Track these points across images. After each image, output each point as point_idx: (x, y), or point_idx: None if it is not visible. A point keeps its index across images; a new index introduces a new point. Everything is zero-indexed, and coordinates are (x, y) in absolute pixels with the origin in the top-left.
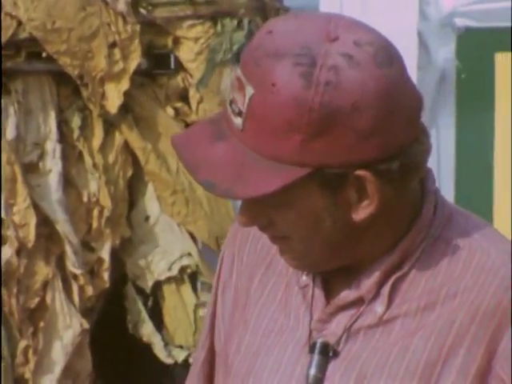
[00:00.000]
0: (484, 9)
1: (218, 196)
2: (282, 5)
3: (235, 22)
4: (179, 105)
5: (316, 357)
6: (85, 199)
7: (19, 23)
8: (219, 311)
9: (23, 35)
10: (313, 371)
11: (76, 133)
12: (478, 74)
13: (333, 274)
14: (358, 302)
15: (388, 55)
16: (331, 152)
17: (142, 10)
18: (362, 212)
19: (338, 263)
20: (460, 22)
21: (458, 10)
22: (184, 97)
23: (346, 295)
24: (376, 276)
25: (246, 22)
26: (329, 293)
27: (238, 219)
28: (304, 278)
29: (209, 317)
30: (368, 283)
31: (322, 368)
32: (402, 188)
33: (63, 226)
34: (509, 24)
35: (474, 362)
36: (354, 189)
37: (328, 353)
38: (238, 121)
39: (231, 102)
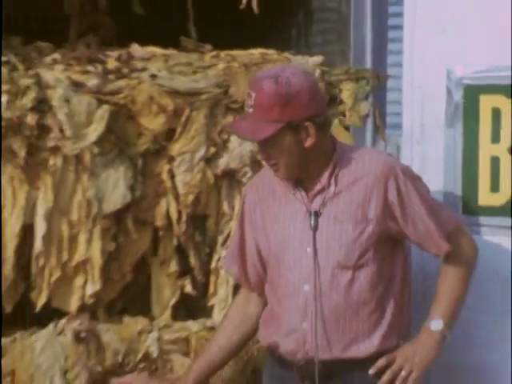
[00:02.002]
0: (476, 75)
1: (248, 141)
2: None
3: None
4: None
5: (313, 217)
6: None
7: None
8: (251, 224)
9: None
10: (313, 222)
11: None
12: (472, 104)
13: (305, 182)
14: (322, 189)
15: (310, 75)
16: (293, 114)
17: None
18: (308, 142)
19: (305, 173)
20: (465, 81)
21: (465, 76)
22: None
23: (316, 188)
24: (326, 175)
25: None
26: (307, 191)
27: (260, 156)
28: (291, 190)
29: (239, 227)
30: (324, 180)
31: (316, 221)
32: (325, 133)
33: None
34: (487, 82)
35: (379, 202)
36: (304, 132)
37: (317, 214)
38: (250, 110)
39: (247, 105)
